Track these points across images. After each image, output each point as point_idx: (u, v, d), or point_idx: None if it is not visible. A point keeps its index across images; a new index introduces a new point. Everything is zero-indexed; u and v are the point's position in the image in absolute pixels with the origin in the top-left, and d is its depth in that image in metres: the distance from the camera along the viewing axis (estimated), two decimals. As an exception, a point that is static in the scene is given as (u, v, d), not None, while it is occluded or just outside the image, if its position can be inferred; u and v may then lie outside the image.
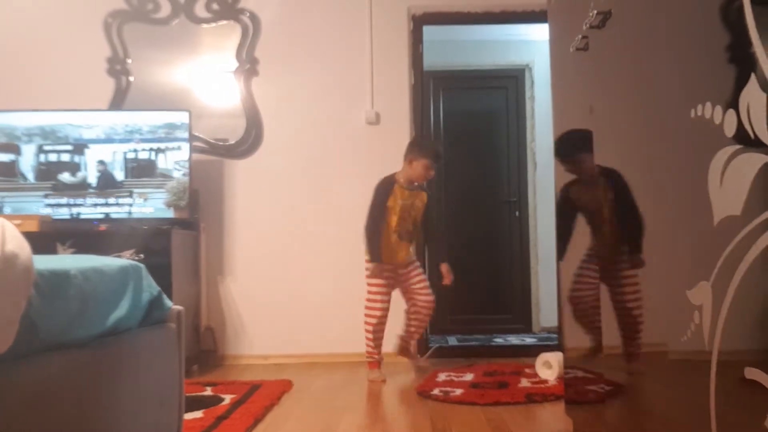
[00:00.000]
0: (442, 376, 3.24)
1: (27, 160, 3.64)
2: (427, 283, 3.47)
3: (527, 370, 3.30)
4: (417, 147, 3.40)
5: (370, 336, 3.35)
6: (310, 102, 4.00)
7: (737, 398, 0.96)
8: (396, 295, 3.45)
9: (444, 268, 3.49)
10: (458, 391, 2.87)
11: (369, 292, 3.37)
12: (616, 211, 1.60)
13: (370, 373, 3.33)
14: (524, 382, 3.01)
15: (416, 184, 3.40)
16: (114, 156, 3.65)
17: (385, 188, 3.38)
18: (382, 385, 3.13)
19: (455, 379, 3.18)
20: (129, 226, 3.51)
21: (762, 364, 0.87)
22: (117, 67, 4.00)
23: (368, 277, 3.36)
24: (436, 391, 2.88)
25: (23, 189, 3.62)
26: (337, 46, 4.02)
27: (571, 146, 1.95)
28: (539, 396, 2.72)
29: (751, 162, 0.89)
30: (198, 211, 3.85)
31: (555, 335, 4.52)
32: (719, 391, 0.99)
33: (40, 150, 3.65)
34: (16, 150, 3.64)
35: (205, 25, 4.04)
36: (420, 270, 3.48)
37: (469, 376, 3.22)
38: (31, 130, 3.65)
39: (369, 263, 3.35)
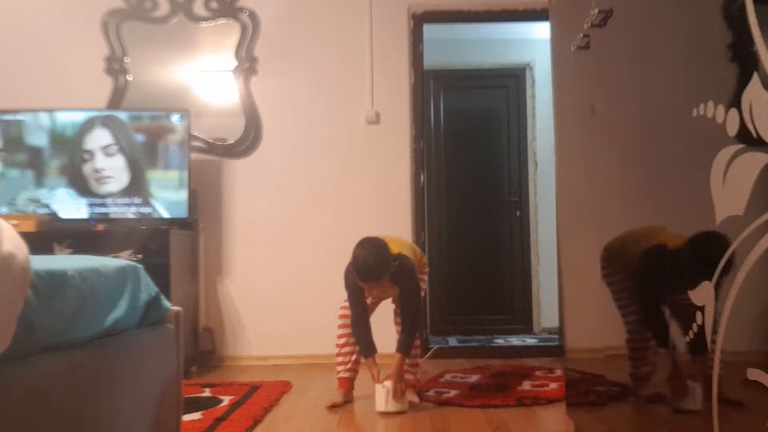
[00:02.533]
0: (447, 377, 3.25)
1: (19, 158, 3.63)
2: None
3: (538, 373, 3.28)
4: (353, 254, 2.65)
5: (338, 339, 2.89)
6: (309, 101, 3.99)
7: (739, 399, 0.96)
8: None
9: (397, 362, 2.66)
10: (452, 392, 2.87)
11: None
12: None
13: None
14: (525, 385, 3.00)
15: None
16: (110, 154, 3.63)
17: (352, 280, 2.70)
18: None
19: (459, 380, 3.18)
20: (127, 226, 3.50)
21: (764, 364, 0.87)
22: (115, 66, 3.99)
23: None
24: (430, 392, 2.88)
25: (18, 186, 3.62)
26: (336, 44, 4.01)
27: None
28: (530, 399, 2.70)
29: (754, 161, 0.88)
30: (197, 212, 3.84)
31: (556, 335, 4.51)
32: (722, 391, 0.98)
33: (36, 148, 3.64)
34: (8, 148, 3.63)
35: (203, 24, 4.03)
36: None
37: (474, 378, 3.22)
38: (30, 129, 3.64)
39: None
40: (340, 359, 2.86)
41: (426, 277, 3.02)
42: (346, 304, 2.84)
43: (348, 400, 2.81)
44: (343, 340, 2.87)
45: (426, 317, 4.10)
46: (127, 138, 3.64)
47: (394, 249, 2.70)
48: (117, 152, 3.62)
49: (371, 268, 2.59)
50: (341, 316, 2.88)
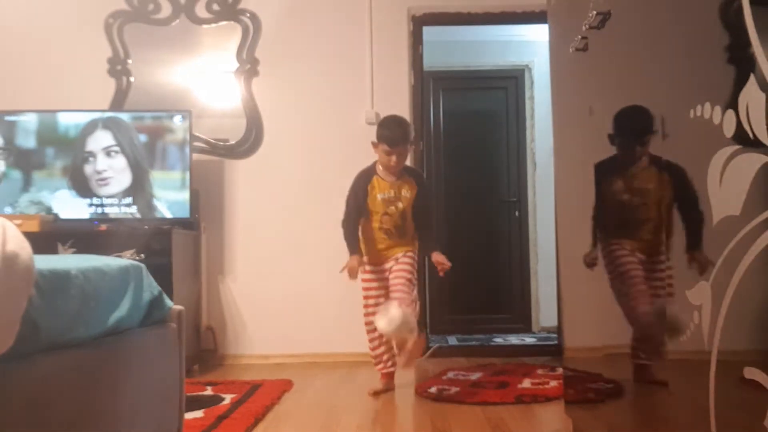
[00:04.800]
0: (450, 374, 3.29)
1: (22, 159, 3.64)
2: (402, 283, 2.93)
3: (540, 371, 3.30)
4: (378, 128, 3.02)
5: (370, 342, 3.03)
6: (310, 102, 4.00)
7: (736, 398, 0.96)
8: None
9: (436, 257, 2.95)
10: (453, 390, 2.90)
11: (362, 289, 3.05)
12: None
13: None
14: (526, 383, 3.02)
15: (399, 172, 2.99)
16: (111, 156, 3.64)
17: (363, 180, 3.01)
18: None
19: (462, 377, 3.22)
20: (130, 226, 3.51)
21: (761, 363, 0.87)
22: (118, 68, 4.01)
23: (363, 273, 3.03)
24: (432, 389, 2.91)
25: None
26: (337, 46, 4.02)
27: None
28: (529, 397, 2.73)
29: (751, 162, 0.89)
30: (198, 211, 3.85)
31: (555, 335, 4.52)
32: (719, 390, 0.99)
33: (38, 149, 3.65)
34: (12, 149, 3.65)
35: (205, 26, 4.04)
36: (403, 267, 2.97)
37: (476, 375, 3.25)
38: (33, 130, 3.65)
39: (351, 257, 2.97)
40: (377, 359, 3.03)
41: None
42: (367, 310, 3.00)
43: (389, 388, 3.00)
44: (375, 343, 3.01)
45: (426, 317, 4.11)
46: (129, 139, 3.65)
47: None
48: (118, 153, 3.63)
49: (399, 123, 3.01)
50: (366, 323, 3.02)
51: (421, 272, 4.05)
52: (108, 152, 3.63)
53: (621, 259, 1.53)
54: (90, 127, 3.64)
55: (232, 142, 3.99)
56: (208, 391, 2.93)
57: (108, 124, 3.65)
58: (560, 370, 3.30)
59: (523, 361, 3.72)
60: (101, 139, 3.64)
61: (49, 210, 3.58)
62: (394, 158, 2.92)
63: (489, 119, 5.31)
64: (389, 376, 3.03)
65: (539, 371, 3.32)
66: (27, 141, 3.65)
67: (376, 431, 2.40)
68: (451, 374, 3.29)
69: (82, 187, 3.62)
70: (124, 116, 3.72)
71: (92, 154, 3.63)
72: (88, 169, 3.62)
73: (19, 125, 3.65)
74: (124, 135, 3.65)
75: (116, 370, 1.55)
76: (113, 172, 3.62)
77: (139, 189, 3.62)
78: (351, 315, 3.87)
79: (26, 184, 3.62)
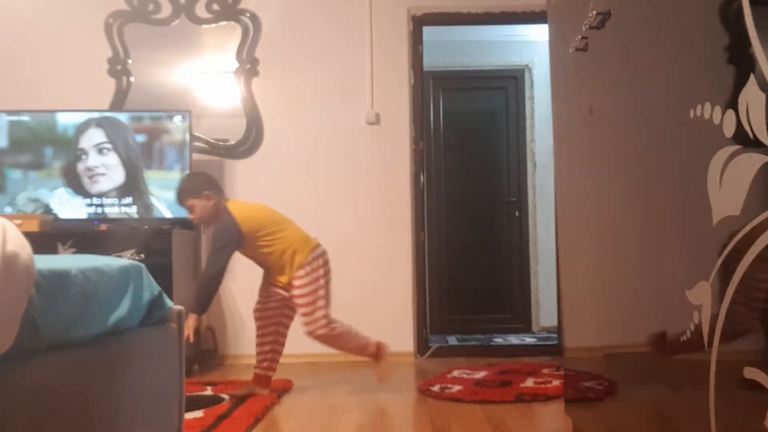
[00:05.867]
0: (455, 373, 3.32)
1: (21, 159, 3.64)
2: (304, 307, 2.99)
3: (545, 371, 3.31)
4: None
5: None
6: (310, 102, 4.01)
7: (736, 398, 0.96)
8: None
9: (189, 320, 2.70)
10: (455, 388, 2.92)
11: None
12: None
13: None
14: (529, 382, 3.02)
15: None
16: (102, 152, 3.64)
17: None
18: (382, 383, 3.08)
19: (466, 376, 3.24)
20: (129, 226, 3.51)
21: (761, 363, 0.87)
22: (118, 68, 4.01)
23: None
24: (435, 387, 2.93)
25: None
26: (337, 46, 4.03)
27: None
28: (529, 396, 2.74)
29: (750, 162, 0.89)
30: (198, 211, 3.85)
31: (554, 335, 4.53)
32: (719, 390, 0.99)
33: (36, 148, 3.66)
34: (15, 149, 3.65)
35: (205, 26, 4.04)
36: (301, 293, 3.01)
37: (480, 374, 3.28)
38: (32, 129, 3.66)
39: None
40: (258, 355, 3.00)
41: (313, 273, 3.05)
42: (258, 304, 3.09)
43: (251, 391, 2.89)
44: (257, 341, 3.05)
45: (426, 316, 4.12)
46: (123, 138, 3.66)
47: (246, 213, 3.00)
48: (110, 150, 3.64)
49: (178, 188, 3.00)
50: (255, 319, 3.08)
51: (421, 271, 4.05)
52: (99, 149, 3.64)
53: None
54: (84, 126, 3.66)
55: (232, 142, 3.99)
56: (208, 391, 2.94)
57: (101, 123, 3.67)
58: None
59: (522, 360, 3.73)
60: (93, 137, 3.65)
61: (47, 208, 3.59)
62: (192, 213, 2.94)
63: (489, 119, 5.31)
64: (257, 378, 2.95)
65: (544, 371, 3.33)
66: (25, 140, 3.66)
67: (376, 431, 2.40)
68: (456, 372, 3.33)
69: (76, 184, 3.62)
70: (123, 116, 3.74)
71: (84, 151, 3.64)
72: (80, 166, 3.63)
73: (19, 125, 3.65)
74: (118, 133, 3.66)
75: (116, 370, 1.55)
76: (104, 168, 3.63)
77: (134, 188, 3.63)
78: (350, 315, 3.87)
79: (24, 184, 3.63)
